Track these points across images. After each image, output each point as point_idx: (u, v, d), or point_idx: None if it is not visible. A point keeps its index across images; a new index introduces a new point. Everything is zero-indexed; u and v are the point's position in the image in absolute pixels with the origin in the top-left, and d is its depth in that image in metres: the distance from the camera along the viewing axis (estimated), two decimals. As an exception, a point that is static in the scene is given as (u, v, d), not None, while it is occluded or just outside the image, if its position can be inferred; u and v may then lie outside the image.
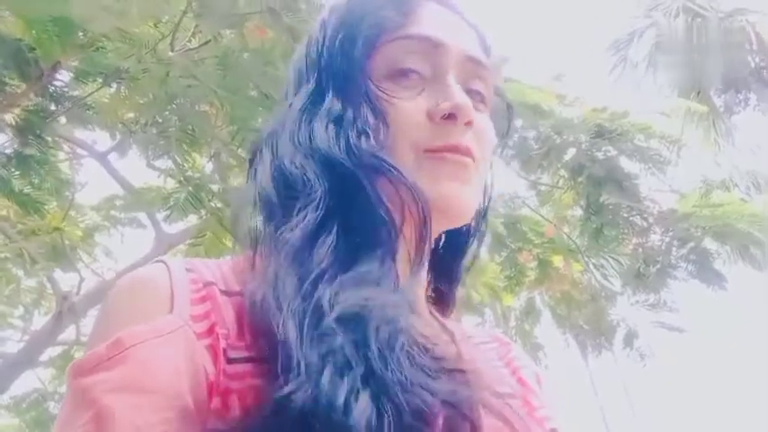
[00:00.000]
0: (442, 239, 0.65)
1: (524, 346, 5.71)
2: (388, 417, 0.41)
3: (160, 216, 3.69)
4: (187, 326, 0.49)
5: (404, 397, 0.43)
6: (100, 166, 3.77)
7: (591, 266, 4.05)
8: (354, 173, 0.52)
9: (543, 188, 4.25)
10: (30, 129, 2.65)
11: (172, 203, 3.13)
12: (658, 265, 3.69)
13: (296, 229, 0.51)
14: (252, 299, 0.49)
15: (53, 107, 2.76)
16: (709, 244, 3.56)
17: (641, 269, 3.78)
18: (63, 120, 3.02)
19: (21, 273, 4.45)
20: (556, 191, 4.11)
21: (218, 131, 3.23)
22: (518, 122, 3.44)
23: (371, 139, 0.54)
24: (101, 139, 3.75)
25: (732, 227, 3.19)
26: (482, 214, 0.66)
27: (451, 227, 0.60)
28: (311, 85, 0.59)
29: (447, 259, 0.67)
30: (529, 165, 3.77)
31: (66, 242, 3.81)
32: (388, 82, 0.57)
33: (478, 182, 0.59)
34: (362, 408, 0.41)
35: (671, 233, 3.61)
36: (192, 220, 3.64)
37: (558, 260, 4.28)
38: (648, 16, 9.03)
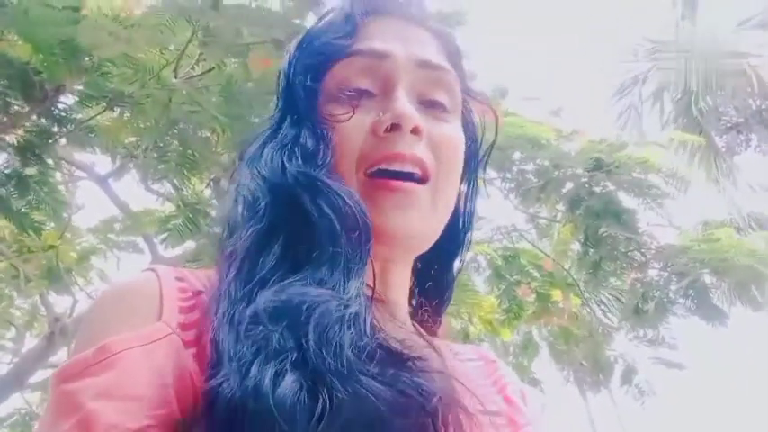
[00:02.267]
0: (431, 255, 0.65)
1: (522, 381, 5.64)
2: (323, 401, 0.42)
3: (157, 240, 3.68)
4: (175, 334, 0.49)
5: (340, 381, 0.43)
6: (98, 189, 3.77)
7: (590, 301, 4.03)
8: (292, 190, 0.54)
9: (542, 221, 4.25)
10: (31, 149, 2.67)
11: (170, 228, 3.14)
12: (656, 300, 3.67)
13: (242, 241, 0.53)
14: (205, 311, 0.50)
15: (55, 129, 2.78)
16: (709, 279, 3.55)
17: (640, 304, 3.76)
18: (63, 141, 3.04)
19: (14, 293, 4.42)
20: (554, 224, 4.11)
21: (219, 157, 3.25)
22: (516, 156, 3.47)
23: (314, 160, 0.55)
24: (100, 161, 3.77)
25: (730, 261, 3.18)
26: (464, 226, 0.66)
27: (412, 253, 0.60)
28: (278, 113, 0.62)
29: (432, 274, 0.67)
30: (527, 198, 3.78)
31: (62, 264, 3.80)
32: (334, 104, 0.58)
33: (433, 202, 0.58)
34: (287, 386, 0.42)
35: (669, 268, 3.60)
36: (190, 245, 3.63)
37: (556, 294, 4.25)
38: (650, 60, 9.19)
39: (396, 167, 0.56)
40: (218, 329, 0.47)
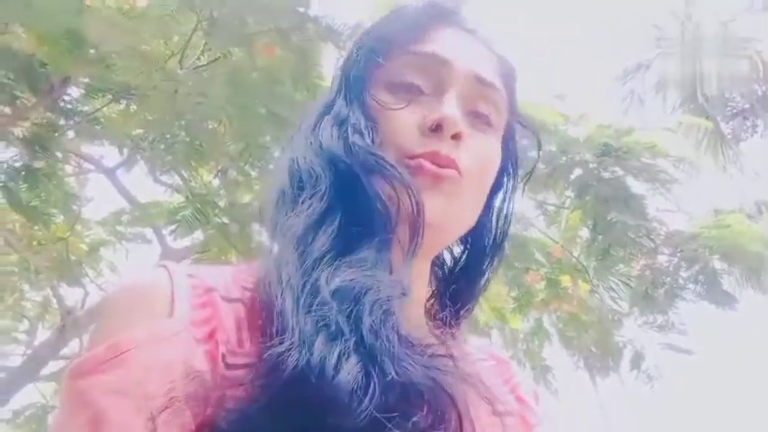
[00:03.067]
0: (461, 259, 0.68)
1: (533, 368, 5.65)
2: (374, 383, 0.44)
3: (166, 231, 3.70)
4: (187, 331, 0.49)
5: (393, 367, 0.45)
6: (106, 181, 3.79)
7: (599, 287, 4.02)
8: (353, 169, 0.56)
9: (550, 208, 4.24)
10: (38, 142, 2.68)
11: (178, 219, 3.15)
12: (666, 286, 3.66)
13: (301, 216, 0.55)
14: (257, 277, 0.53)
15: (62, 122, 2.79)
16: (718, 265, 3.54)
17: (649, 290, 3.74)
18: (71, 134, 3.05)
19: (26, 287, 4.47)
20: (563, 211, 4.10)
21: (226, 148, 3.25)
22: (523, 142, 3.45)
23: (366, 138, 0.58)
24: (108, 154, 3.78)
25: (741, 247, 3.16)
26: (498, 239, 0.68)
27: (439, 239, 0.61)
28: (333, 93, 0.64)
29: (461, 279, 0.68)
30: (535, 184, 3.77)
31: (72, 257, 3.83)
32: (386, 93, 0.60)
33: (463, 198, 0.59)
34: (350, 369, 0.44)
35: (679, 254, 3.59)
36: (198, 235, 3.65)
37: (566, 280, 4.25)
38: (656, 46, 9.10)
39: (433, 163, 0.58)
40: (280, 297, 0.49)
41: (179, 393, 0.45)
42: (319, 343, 0.45)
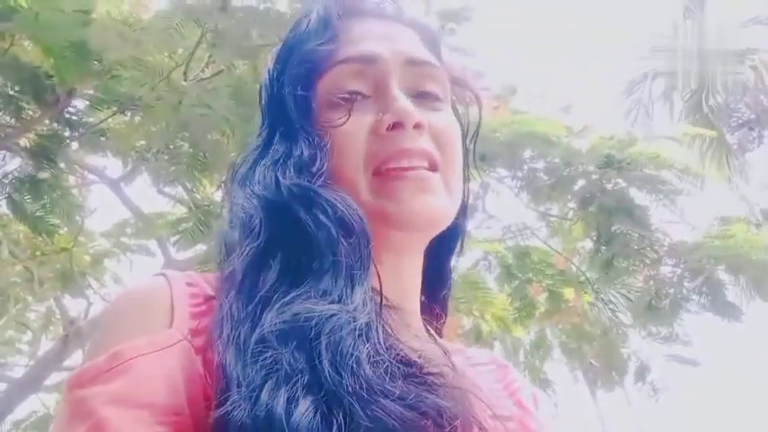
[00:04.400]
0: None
1: (533, 381, 5.62)
2: (338, 423, 0.41)
3: (169, 243, 3.70)
4: (186, 340, 0.49)
5: (360, 405, 0.42)
6: (110, 193, 3.80)
7: (601, 299, 4.00)
8: (287, 203, 0.53)
9: (553, 219, 4.23)
10: (43, 153, 2.70)
11: (181, 230, 3.15)
12: (670, 298, 3.64)
13: (240, 260, 0.52)
14: (209, 337, 0.49)
15: (67, 133, 2.81)
16: (723, 276, 3.51)
17: (653, 301, 3.72)
18: (76, 145, 3.06)
19: (30, 297, 4.47)
20: (566, 222, 4.09)
21: (230, 159, 3.26)
22: (526, 153, 3.45)
23: (310, 169, 0.55)
24: (112, 165, 3.79)
25: (745, 258, 3.14)
26: (463, 211, 0.66)
27: (428, 237, 0.60)
28: (264, 130, 0.61)
29: (433, 263, 0.66)
30: (538, 195, 3.76)
31: (76, 268, 3.83)
32: (330, 110, 0.58)
33: (446, 187, 0.58)
34: (301, 413, 0.41)
35: (683, 265, 3.57)
36: (201, 247, 3.64)
37: (568, 292, 4.22)
38: (659, 57, 9.11)
39: (404, 164, 0.56)
40: (225, 353, 0.46)
41: (180, 402, 0.45)
42: (265, 391, 0.42)
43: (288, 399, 0.41)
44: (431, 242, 0.63)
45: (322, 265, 0.50)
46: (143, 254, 4.35)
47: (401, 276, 0.60)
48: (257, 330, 0.46)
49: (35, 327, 5.12)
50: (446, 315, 0.67)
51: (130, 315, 0.51)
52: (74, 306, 4.38)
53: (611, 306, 3.90)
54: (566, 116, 3.51)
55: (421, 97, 0.60)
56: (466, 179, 0.66)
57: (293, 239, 0.52)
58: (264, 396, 0.42)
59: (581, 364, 5.42)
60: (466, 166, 0.65)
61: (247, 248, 0.53)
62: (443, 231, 0.62)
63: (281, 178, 0.55)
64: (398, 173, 0.56)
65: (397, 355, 0.47)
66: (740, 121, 9.24)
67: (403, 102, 0.57)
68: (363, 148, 0.56)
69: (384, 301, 0.52)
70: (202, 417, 0.46)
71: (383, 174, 0.56)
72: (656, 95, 9.15)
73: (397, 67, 0.59)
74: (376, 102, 0.58)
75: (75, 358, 4.31)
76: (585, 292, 4.18)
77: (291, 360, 0.44)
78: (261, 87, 0.64)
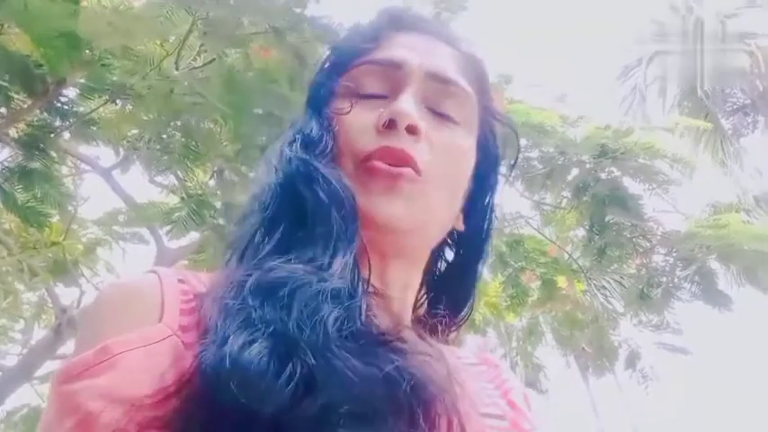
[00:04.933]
0: (441, 262, 0.67)
1: (525, 366, 5.66)
2: (291, 371, 0.42)
3: (162, 231, 3.69)
4: (176, 335, 0.49)
5: (316, 356, 0.44)
6: (103, 182, 3.78)
7: (594, 287, 4.02)
8: (291, 176, 0.57)
9: (547, 208, 4.24)
10: (34, 143, 2.68)
11: (174, 219, 3.14)
12: (662, 286, 3.66)
13: (244, 231, 0.56)
14: (199, 333, 0.50)
15: (58, 122, 2.79)
16: (714, 265, 3.54)
17: (645, 290, 3.75)
18: (67, 135, 3.04)
19: (21, 287, 4.46)
20: (559, 211, 4.10)
21: (222, 148, 3.25)
22: (522, 142, 3.45)
23: (315, 149, 0.58)
24: (104, 154, 3.77)
25: (737, 247, 3.16)
26: (483, 239, 0.67)
27: (403, 245, 0.60)
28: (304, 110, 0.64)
29: (448, 282, 0.67)
30: (532, 184, 3.78)
31: (68, 257, 3.82)
32: (344, 101, 0.61)
33: (428, 197, 0.58)
34: (253, 352, 0.43)
35: (675, 254, 3.59)
36: (195, 235, 3.64)
37: (561, 280, 4.25)
38: (655, 41, 9.09)
39: (387, 161, 0.57)
40: (211, 309, 0.48)
41: (169, 397, 0.45)
42: (232, 338, 0.44)
43: (245, 341, 0.44)
44: (451, 265, 0.66)
45: (312, 234, 0.53)
46: (136, 242, 4.34)
47: (387, 278, 0.59)
48: (238, 288, 0.49)
49: (28, 315, 5.11)
50: (452, 332, 0.67)
51: (120, 309, 0.51)
52: (66, 294, 4.38)
53: (604, 292, 3.93)
54: (561, 105, 3.51)
55: (435, 114, 0.61)
56: (490, 211, 0.68)
57: (294, 211, 0.55)
58: (230, 341, 0.44)
59: (573, 350, 5.47)
60: (490, 193, 0.67)
61: (254, 219, 0.56)
62: (461, 253, 0.65)
63: (287, 151, 0.59)
64: (376, 168, 0.57)
65: (369, 326, 0.49)
66: (735, 106, 9.25)
67: (404, 103, 0.58)
68: (359, 140, 0.58)
69: (371, 288, 0.53)
70: (190, 412, 0.46)
71: (364, 166, 0.57)
72: (651, 80, 9.15)
73: (419, 78, 0.61)
74: (387, 104, 0.60)
75: (68, 347, 4.31)
76: (579, 281, 4.20)
77: (260, 312, 0.46)
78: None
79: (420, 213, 0.58)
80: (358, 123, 0.59)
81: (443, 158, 0.59)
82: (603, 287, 3.94)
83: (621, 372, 5.02)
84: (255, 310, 0.46)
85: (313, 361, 0.43)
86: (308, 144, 0.58)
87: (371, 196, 0.56)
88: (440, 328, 0.63)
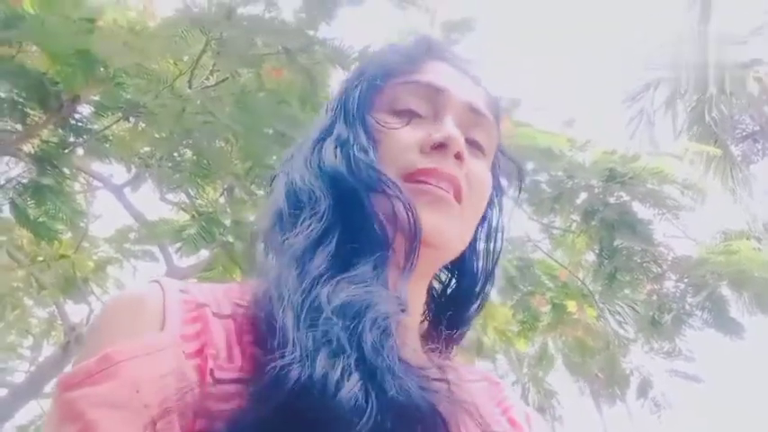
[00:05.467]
0: (451, 284, 0.69)
1: (537, 393, 5.58)
2: (372, 401, 0.44)
3: (172, 249, 3.71)
4: (177, 345, 0.49)
5: (393, 383, 0.45)
6: (114, 199, 3.82)
7: (605, 312, 3.98)
8: (354, 188, 0.57)
9: (556, 232, 4.22)
10: (47, 159, 2.71)
11: (184, 237, 3.15)
12: (673, 313, 3.62)
13: (300, 236, 0.56)
14: (255, 295, 0.53)
15: (71, 139, 2.82)
16: (726, 292, 3.50)
17: (656, 316, 3.71)
18: (80, 152, 3.08)
19: (31, 302, 4.47)
20: (569, 235, 4.08)
21: (233, 167, 3.28)
22: (530, 166, 3.45)
23: (369, 155, 0.59)
24: (116, 172, 3.81)
25: (748, 274, 3.13)
26: (490, 260, 0.69)
27: (432, 259, 0.61)
28: (328, 118, 0.65)
29: (453, 304, 0.68)
30: (541, 208, 3.76)
31: (79, 274, 3.84)
32: (387, 116, 0.62)
33: (460, 221, 0.61)
34: (352, 386, 0.44)
35: (686, 280, 3.55)
36: (204, 253, 3.65)
37: (571, 305, 4.21)
38: (663, 67, 9.11)
39: (433, 182, 0.59)
40: (281, 314, 0.49)
41: (169, 407, 0.45)
42: (321, 358, 0.45)
43: (343, 370, 0.45)
44: (456, 284, 0.68)
45: (371, 256, 0.54)
46: (146, 260, 4.35)
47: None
48: (312, 301, 0.50)
49: (37, 332, 5.12)
50: (451, 350, 0.68)
51: (122, 318, 0.52)
52: (76, 312, 4.39)
53: (617, 318, 3.89)
54: (569, 129, 3.51)
55: (468, 143, 0.63)
56: (496, 237, 0.69)
57: (354, 223, 0.56)
58: (321, 362, 0.45)
59: (585, 377, 5.40)
60: (498, 224, 0.70)
61: (309, 225, 0.56)
62: (467, 278, 0.67)
63: (355, 156, 0.59)
64: (424, 185, 0.59)
65: (400, 357, 0.50)
66: (744, 133, 9.21)
67: (454, 129, 0.60)
68: (405, 158, 0.59)
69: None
70: (189, 421, 0.46)
71: (411, 182, 0.58)
72: (659, 106, 9.15)
73: (459, 108, 0.63)
74: (430, 123, 0.62)
75: (76, 364, 4.30)
76: (590, 306, 4.16)
77: (342, 335, 0.47)
78: (341, 84, 0.70)
79: (455, 233, 0.60)
80: (403, 140, 0.60)
81: (476, 188, 0.62)
82: (617, 312, 3.90)
83: (633, 400, 4.94)
84: (341, 335, 0.47)
85: (395, 393, 0.45)
86: (364, 152, 0.59)
87: (413, 207, 0.57)
88: (440, 346, 0.63)
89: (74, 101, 2.63)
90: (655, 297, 3.79)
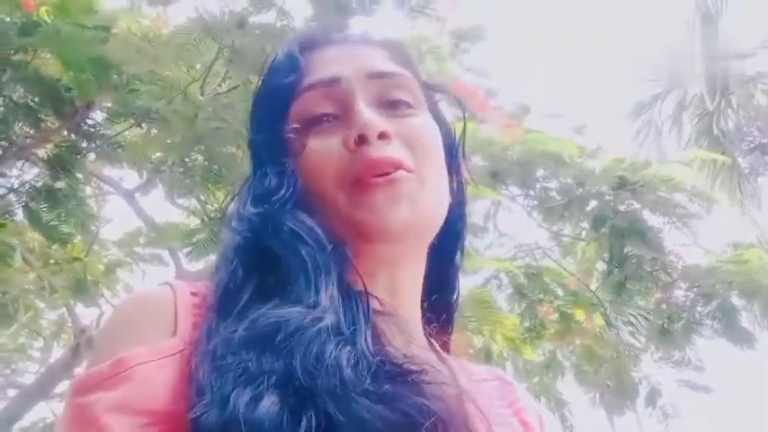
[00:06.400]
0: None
1: (548, 402, 5.53)
2: (308, 420, 0.41)
3: (182, 253, 3.72)
4: (189, 349, 0.50)
5: (336, 403, 0.42)
6: (125, 204, 3.84)
7: (614, 321, 3.95)
8: (254, 233, 0.56)
9: (566, 239, 4.20)
10: (61, 164, 2.74)
11: (194, 241, 3.17)
12: (683, 321, 3.59)
13: (217, 284, 0.54)
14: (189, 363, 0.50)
15: (84, 144, 2.85)
16: (737, 301, 3.46)
17: (665, 325, 3.68)
18: (92, 157, 3.11)
19: (42, 305, 4.50)
20: (578, 242, 4.06)
21: (244, 172, 3.29)
22: (539, 173, 3.45)
23: (277, 194, 0.57)
24: (127, 176, 3.84)
25: (759, 283, 3.10)
26: (460, 214, 0.66)
27: (415, 245, 0.60)
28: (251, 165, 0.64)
29: (435, 269, 0.66)
30: (550, 216, 3.75)
31: (89, 277, 3.86)
32: (303, 136, 0.59)
33: (424, 186, 0.58)
34: (266, 407, 0.42)
35: (696, 288, 3.53)
36: (214, 258, 3.66)
37: (580, 314, 4.18)
38: (670, 79, 9.07)
39: (376, 173, 0.57)
40: (200, 365, 0.47)
41: (182, 411, 0.46)
42: (233, 395, 0.43)
43: (252, 397, 0.42)
44: (430, 248, 0.63)
45: (288, 276, 0.52)
46: (156, 264, 4.37)
47: (398, 289, 0.60)
48: (225, 342, 0.47)
49: (47, 334, 5.15)
50: (452, 323, 0.67)
51: (135, 322, 0.52)
52: (86, 315, 4.41)
53: (629, 327, 3.85)
54: (578, 136, 3.50)
55: (391, 106, 0.61)
56: (461, 182, 0.67)
57: (263, 262, 0.54)
58: (232, 398, 0.43)
59: (595, 387, 5.35)
60: (455, 169, 0.66)
61: (224, 272, 0.55)
62: (440, 237, 0.62)
63: (243, 212, 0.58)
64: (370, 183, 0.56)
65: (384, 358, 0.48)
66: (752, 145, 9.14)
67: (365, 115, 0.58)
68: (336, 166, 0.57)
69: (377, 308, 0.52)
70: None
71: (357, 186, 0.57)
72: (667, 118, 9.10)
73: (361, 83, 0.61)
74: (344, 120, 0.59)
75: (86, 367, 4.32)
76: (599, 314, 4.13)
77: (258, 364, 0.45)
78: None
79: (425, 208, 0.58)
80: (325, 150, 0.58)
81: (417, 143, 0.60)
82: (627, 321, 3.87)
83: (642, 409, 4.89)
84: (252, 363, 0.45)
85: (337, 411, 0.42)
86: (265, 197, 0.57)
87: (376, 212, 0.56)
88: (436, 332, 0.63)
89: (87, 107, 2.66)
90: (664, 306, 3.76)
